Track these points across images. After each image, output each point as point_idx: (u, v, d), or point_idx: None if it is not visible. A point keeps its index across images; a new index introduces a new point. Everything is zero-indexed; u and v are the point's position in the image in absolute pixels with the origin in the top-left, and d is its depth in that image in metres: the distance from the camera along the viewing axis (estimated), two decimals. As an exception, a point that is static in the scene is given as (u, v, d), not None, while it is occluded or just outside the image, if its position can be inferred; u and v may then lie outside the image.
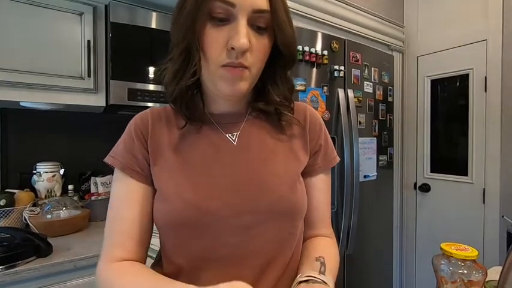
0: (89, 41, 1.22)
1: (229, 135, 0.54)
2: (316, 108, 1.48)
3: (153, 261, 0.93)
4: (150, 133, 0.53)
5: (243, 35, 0.43)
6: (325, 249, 0.55)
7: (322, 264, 0.47)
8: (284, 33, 0.48)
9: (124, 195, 0.52)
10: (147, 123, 0.54)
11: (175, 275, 0.50)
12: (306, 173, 0.57)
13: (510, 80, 1.73)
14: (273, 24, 0.47)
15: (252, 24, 0.46)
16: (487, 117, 1.83)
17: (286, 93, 0.55)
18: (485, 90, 1.83)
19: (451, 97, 2.07)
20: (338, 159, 0.62)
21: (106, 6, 1.27)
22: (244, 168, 0.51)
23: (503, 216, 1.72)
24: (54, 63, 1.17)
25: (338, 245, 0.61)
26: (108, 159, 0.53)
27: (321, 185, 0.59)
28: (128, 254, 0.50)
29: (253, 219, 0.49)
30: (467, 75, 1.92)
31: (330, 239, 0.59)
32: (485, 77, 1.82)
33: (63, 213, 1.16)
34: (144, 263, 0.52)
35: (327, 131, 0.62)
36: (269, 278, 0.50)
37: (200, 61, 0.47)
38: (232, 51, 0.44)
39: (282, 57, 0.51)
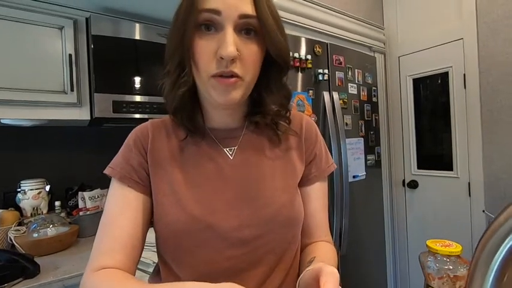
0: (70, 55, 1.21)
1: (227, 149, 0.54)
2: (302, 112, 1.49)
3: (144, 274, 0.92)
4: (150, 145, 0.53)
5: (230, 43, 0.43)
6: (318, 250, 0.56)
7: (311, 261, 0.49)
8: (272, 39, 0.47)
9: (120, 202, 0.50)
10: (147, 135, 0.54)
11: None
12: (301, 183, 0.58)
13: (487, 76, 1.79)
14: (262, 31, 0.47)
15: (240, 31, 0.46)
16: (467, 113, 1.88)
17: (282, 100, 0.54)
18: (465, 87, 1.89)
19: (433, 95, 2.13)
20: (334, 166, 0.62)
21: (87, 19, 1.26)
22: (244, 184, 0.52)
23: (483, 211, 1.76)
24: (36, 79, 1.15)
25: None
26: (107, 170, 0.53)
27: (317, 193, 0.59)
28: (115, 263, 0.47)
29: (254, 232, 0.49)
30: (446, 73, 1.98)
31: (326, 243, 0.59)
32: (464, 74, 1.89)
33: (50, 231, 1.13)
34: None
35: (323, 140, 0.62)
36: (270, 287, 0.51)
37: (191, 71, 0.48)
38: (221, 60, 0.44)
39: (276, 64, 0.51)
